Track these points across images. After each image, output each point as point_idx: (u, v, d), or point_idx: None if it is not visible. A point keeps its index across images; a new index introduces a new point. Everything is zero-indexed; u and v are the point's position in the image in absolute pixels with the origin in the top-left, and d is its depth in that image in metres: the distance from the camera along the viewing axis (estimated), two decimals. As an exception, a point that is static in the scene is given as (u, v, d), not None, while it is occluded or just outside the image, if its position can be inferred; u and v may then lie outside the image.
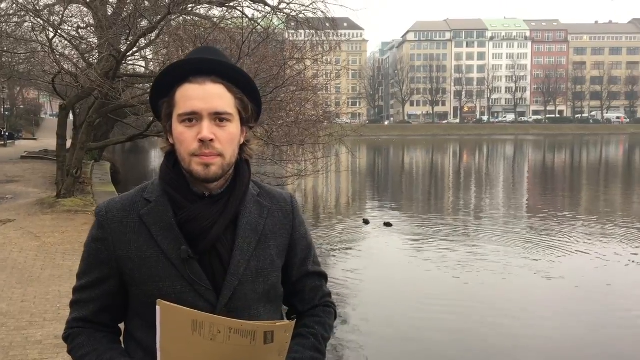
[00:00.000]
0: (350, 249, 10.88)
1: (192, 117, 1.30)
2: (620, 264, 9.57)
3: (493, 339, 6.51)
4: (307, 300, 1.51)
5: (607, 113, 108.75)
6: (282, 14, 13.90)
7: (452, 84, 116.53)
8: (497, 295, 8.15)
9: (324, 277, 1.57)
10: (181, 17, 11.00)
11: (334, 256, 10.31)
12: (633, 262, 9.64)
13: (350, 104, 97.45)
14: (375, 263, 9.87)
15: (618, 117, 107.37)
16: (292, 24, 15.13)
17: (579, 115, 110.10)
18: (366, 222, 13.06)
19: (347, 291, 8.09)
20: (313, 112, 13.06)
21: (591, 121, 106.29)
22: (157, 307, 1.23)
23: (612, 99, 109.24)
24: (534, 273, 9.13)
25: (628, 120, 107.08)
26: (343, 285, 8.32)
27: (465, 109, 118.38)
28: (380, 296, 8.08)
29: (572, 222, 13.51)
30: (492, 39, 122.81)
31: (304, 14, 14.33)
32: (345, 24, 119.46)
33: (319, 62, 13.55)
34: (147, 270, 1.33)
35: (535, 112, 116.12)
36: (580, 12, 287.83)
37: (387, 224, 12.83)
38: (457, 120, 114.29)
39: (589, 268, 9.36)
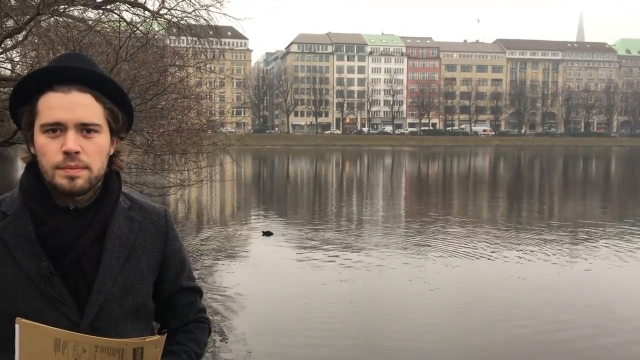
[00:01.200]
0: (235, 260, 10.77)
1: (56, 128, 1.23)
2: (493, 265, 10.34)
3: (380, 345, 6.74)
4: (180, 317, 1.48)
5: (475, 126, 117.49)
6: (162, 19, 13.54)
7: (335, 96, 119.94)
8: (382, 300, 8.44)
9: (198, 292, 1.54)
10: (52, 18, 10.33)
11: (216, 268, 10.14)
12: (502, 260, 10.47)
13: (234, 113, 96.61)
14: (260, 273, 9.84)
15: (484, 130, 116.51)
16: (174, 30, 14.79)
17: (450, 128, 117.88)
18: (267, 234, 12.88)
19: (231, 304, 7.99)
20: (196, 121, 12.81)
21: (461, 134, 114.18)
22: (16, 326, 1.15)
23: (479, 113, 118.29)
24: (416, 278, 9.59)
25: (493, 133, 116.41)
26: (226, 298, 8.20)
27: (347, 120, 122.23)
28: (263, 307, 8.06)
29: (447, 226, 14.38)
30: (371, 53, 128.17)
31: (186, 20, 14.07)
32: (229, 33, 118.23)
33: (202, 70, 13.35)
34: (4, 288, 1.25)
35: (411, 125, 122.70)
36: (451, 31, 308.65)
37: (267, 233, 12.80)
38: (340, 131, 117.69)
39: (466, 272, 10.01)
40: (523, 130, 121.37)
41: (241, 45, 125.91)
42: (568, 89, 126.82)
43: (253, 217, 16.34)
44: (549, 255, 11.05)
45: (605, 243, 12.29)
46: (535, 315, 7.53)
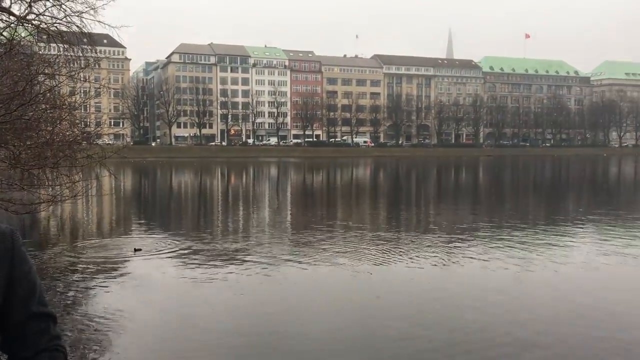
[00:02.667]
0: (110, 277, 10.27)
1: None
2: (376, 268, 10.74)
3: (274, 352, 6.75)
4: (30, 345, 1.37)
5: (356, 138, 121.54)
6: (30, 25, 12.67)
7: (219, 107, 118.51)
8: (273, 307, 8.46)
9: (51, 318, 1.44)
10: None
11: (88, 287, 9.62)
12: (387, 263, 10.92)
13: (112, 124, 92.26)
14: (139, 291, 9.47)
15: (365, 142, 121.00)
16: (44, 36, 13.88)
17: (333, 139, 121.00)
18: (137, 250, 12.40)
19: (111, 325, 7.62)
20: (69, 132, 12.08)
21: (343, 145, 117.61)
22: None
23: (360, 125, 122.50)
24: (302, 285, 9.73)
25: (373, 144, 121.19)
26: (103, 321, 7.80)
27: (232, 132, 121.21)
28: (144, 325, 7.78)
29: (332, 232, 14.73)
30: (254, 65, 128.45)
31: (56, 26, 13.26)
32: (105, 41, 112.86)
33: (75, 79, 12.63)
34: None
35: (296, 136, 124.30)
36: (331, 46, 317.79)
37: (138, 249, 12.31)
38: (224, 143, 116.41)
39: (354, 276, 10.30)
40: (400, 142, 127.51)
41: (118, 54, 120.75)
42: (440, 103, 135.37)
43: (130, 233, 15.69)
44: (427, 257, 11.72)
45: (475, 243, 13.27)
46: (418, 313, 7.96)
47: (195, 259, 11.60)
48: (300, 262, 11.30)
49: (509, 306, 8.51)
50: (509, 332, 7.31)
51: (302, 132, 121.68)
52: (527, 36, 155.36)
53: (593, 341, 7.02)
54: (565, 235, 14.92)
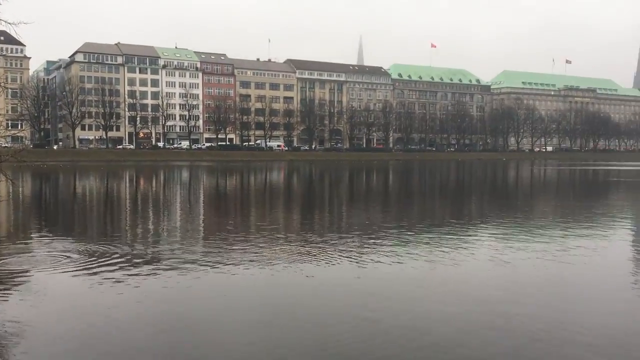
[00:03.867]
0: (7, 289, 9.68)
1: None
2: (287, 269, 10.81)
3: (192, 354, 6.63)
4: None
5: (270, 141, 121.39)
6: None
7: (127, 109, 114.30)
8: (178, 314, 8.31)
9: None
10: None
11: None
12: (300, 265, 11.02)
13: (9, 125, 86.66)
14: (36, 301, 8.99)
15: (279, 145, 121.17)
16: None
17: (247, 143, 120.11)
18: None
19: (7, 337, 7.19)
20: (-40, 134, 11.25)
21: (257, 149, 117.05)
22: None
23: (273, 129, 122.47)
24: (215, 290, 9.62)
25: (287, 148, 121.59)
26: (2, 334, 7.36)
27: (141, 134, 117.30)
28: (43, 336, 7.41)
29: (247, 237, 14.64)
30: (164, 67, 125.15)
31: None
32: (2, 38, 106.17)
33: (-33, 77, 11.79)
34: None
35: (208, 140, 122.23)
36: (244, 49, 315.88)
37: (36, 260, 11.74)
38: (133, 146, 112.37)
39: (269, 278, 10.31)
40: (313, 146, 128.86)
41: (17, 52, 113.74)
42: (351, 108, 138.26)
43: (29, 241, 14.81)
44: (341, 257, 11.96)
45: (385, 243, 13.70)
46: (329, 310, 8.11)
47: (97, 267, 11.15)
48: (211, 267, 11.18)
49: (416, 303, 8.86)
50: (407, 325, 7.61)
51: (214, 136, 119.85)
52: (433, 46, 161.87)
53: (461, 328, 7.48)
54: (468, 235, 15.74)
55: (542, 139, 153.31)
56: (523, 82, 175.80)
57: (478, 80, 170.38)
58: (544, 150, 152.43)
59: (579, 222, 18.63)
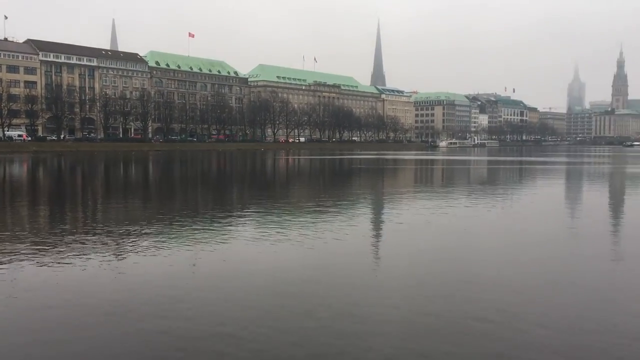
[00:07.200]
0: None
1: None
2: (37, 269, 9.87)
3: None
4: None
5: (8, 131, 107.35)
6: None
7: None
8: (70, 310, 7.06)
9: None
10: None
11: None
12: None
13: None
14: None
15: (20, 135, 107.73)
16: None
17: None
18: None
19: None
20: None
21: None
22: None
23: (12, 117, 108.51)
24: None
25: (30, 138, 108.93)
26: None
27: None
28: None
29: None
30: None
31: None
32: None
33: None
34: None
35: None
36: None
37: None
38: None
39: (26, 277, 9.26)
40: (63, 136, 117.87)
41: None
42: (105, 96, 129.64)
43: None
44: (93, 257, 11.36)
45: (146, 238, 13.41)
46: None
47: None
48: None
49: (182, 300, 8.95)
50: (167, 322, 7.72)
51: None
52: (191, 35, 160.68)
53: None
54: (230, 225, 16.26)
55: (296, 131, 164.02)
56: (278, 77, 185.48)
57: (236, 73, 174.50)
58: (297, 141, 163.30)
59: (326, 207, 20.58)
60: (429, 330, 7.22)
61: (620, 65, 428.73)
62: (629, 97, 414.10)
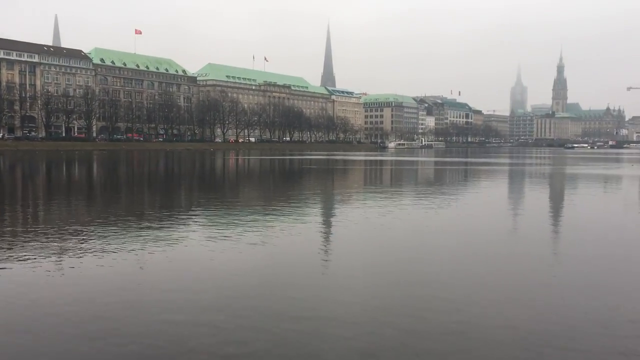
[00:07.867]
0: None
1: None
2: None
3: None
4: None
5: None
6: None
7: None
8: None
9: None
10: None
11: None
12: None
13: None
14: None
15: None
16: None
17: None
18: None
19: None
20: None
21: None
22: None
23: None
24: None
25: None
26: None
27: None
28: None
29: None
30: None
31: None
32: None
33: None
34: None
35: None
36: None
37: None
38: None
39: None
40: (1, 134, 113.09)
41: None
42: (47, 93, 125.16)
43: None
44: (37, 261, 10.96)
45: (92, 241, 13.03)
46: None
47: None
48: None
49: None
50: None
51: None
52: (138, 32, 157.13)
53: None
54: (179, 225, 16.00)
55: (246, 131, 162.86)
56: (227, 76, 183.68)
57: (184, 71, 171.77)
58: (247, 141, 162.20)
59: (279, 208, 20.54)
60: (380, 326, 7.31)
61: (560, 70, 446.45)
62: (568, 101, 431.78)
